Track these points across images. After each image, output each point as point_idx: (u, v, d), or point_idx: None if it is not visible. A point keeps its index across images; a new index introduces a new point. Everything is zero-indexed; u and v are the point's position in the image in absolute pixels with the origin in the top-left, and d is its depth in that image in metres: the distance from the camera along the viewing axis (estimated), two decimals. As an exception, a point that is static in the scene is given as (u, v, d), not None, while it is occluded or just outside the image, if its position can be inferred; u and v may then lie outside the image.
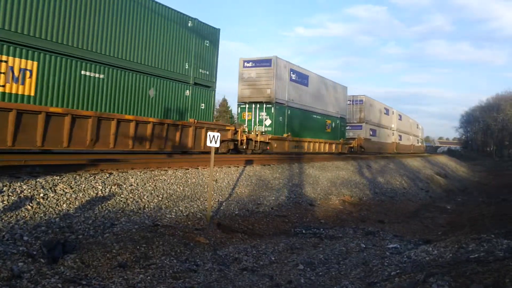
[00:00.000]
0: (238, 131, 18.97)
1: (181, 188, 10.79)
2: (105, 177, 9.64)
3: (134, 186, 9.82)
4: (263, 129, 22.63)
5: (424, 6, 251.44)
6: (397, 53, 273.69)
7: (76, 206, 7.96)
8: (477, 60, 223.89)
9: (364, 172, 22.11)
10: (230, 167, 14.33)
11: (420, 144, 68.61)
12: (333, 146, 29.87)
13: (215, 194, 11.19)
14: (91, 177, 9.36)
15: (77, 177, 9.14)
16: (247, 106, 23.27)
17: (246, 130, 20.80)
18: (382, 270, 6.52)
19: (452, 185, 30.63)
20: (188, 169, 12.53)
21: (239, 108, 23.85)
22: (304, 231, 10.33)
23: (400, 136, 50.66)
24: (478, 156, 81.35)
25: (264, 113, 22.89)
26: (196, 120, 16.22)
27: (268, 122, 22.83)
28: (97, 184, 9.13)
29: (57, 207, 7.67)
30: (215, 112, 27.98)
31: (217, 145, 9.48)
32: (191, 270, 6.56)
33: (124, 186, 9.58)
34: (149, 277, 6.03)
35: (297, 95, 25.32)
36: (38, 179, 8.32)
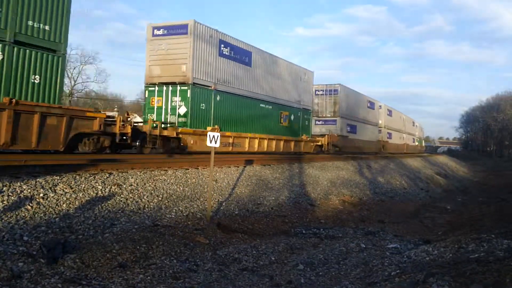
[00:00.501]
0: (115, 120, 13.64)
1: (181, 188, 10.79)
2: (105, 177, 9.64)
3: (134, 186, 9.81)
4: (176, 120, 17.05)
5: (423, 6, 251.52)
6: (397, 53, 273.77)
7: (76, 206, 7.96)
8: (476, 60, 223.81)
9: (364, 172, 22.11)
10: (230, 167, 14.33)
11: (416, 143, 64.32)
12: (292, 144, 24.55)
13: (215, 194, 11.19)
14: (91, 177, 9.36)
15: (77, 177, 9.14)
16: (156, 88, 17.50)
17: (153, 122, 16.17)
18: (382, 270, 6.52)
19: (452, 185, 30.63)
20: (188, 169, 12.53)
21: (146, 91, 17.98)
22: (304, 231, 10.33)
23: (389, 134, 45.63)
24: (478, 156, 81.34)
25: (177, 98, 16.98)
26: (16, 100, 10.17)
27: (182, 110, 16.95)
28: (97, 184, 9.13)
29: (57, 207, 7.67)
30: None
31: (217, 145, 9.44)
32: (191, 270, 6.56)
33: (124, 186, 9.58)
34: (149, 277, 6.03)
35: (233, 76, 19.51)
36: (38, 179, 8.32)
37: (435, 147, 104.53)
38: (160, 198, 9.74)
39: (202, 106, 17.54)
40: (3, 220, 6.66)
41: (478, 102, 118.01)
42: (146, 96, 18.06)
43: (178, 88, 17.00)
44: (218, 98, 18.40)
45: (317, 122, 30.77)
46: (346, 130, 32.37)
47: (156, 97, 17.56)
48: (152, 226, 8.07)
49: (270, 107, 22.85)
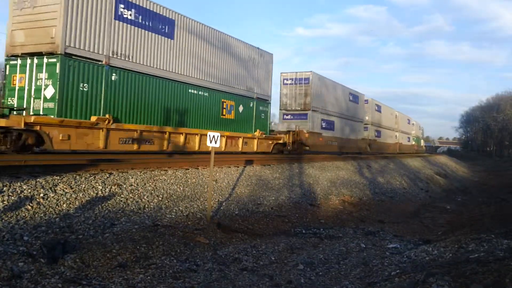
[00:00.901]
0: None
1: (181, 188, 10.79)
2: (105, 177, 9.64)
3: (134, 186, 9.82)
4: (41, 105, 12.10)
5: (423, 6, 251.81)
6: (397, 53, 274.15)
7: (76, 206, 7.96)
8: (476, 60, 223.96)
9: (364, 172, 22.12)
10: (230, 167, 14.33)
11: (413, 143, 60.27)
12: (239, 142, 19.35)
13: (215, 194, 11.20)
14: (91, 177, 9.36)
15: (77, 177, 9.14)
16: (19, 62, 12.53)
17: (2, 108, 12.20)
18: (382, 270, 6.53)
19: (452, 185, 30.65)
20: (188, 169, 12.53)
21: (7, 66, 12.91)
22: (304, 231, 10.34)
23: (378, 131, 40.79)
24: (478, 156, 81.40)
25: (43, 75, 12.13)
26: None
27: (49, 92, 12.05)
28: (97, 184, 9.14)
29: (57, 207, 7.68)
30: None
31: (217, 145, 9.44)
32: (191, 270, 6.56)
33: (124, 186, 9.58)
34: (149, 277, 6.04)
35: (142, 49, 14.56)
36: (38, 179, 8.33)
37: (435, 147, 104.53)
38: (160, 198, 9.75)
39: (84, 87, 12.54)
40: (3, 220, 6.67)
41: (478, 102, 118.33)
42: (7, 72, 12.97)
43: (45, 60, 12.09)
44: (113, 78, 13.55)
45: (285, 117, 26.59)
46: (321, 126, 27.41)
47: (18, 74, 12.56)
48: (152, 226, 8.08)
49: (206, 94, 17.83)
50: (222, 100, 18.95)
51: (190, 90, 16.91)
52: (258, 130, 21.25)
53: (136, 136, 13.90)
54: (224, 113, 19.06)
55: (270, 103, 23.69)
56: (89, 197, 8.51)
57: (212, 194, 10.54)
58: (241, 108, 20.44)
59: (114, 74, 13.71)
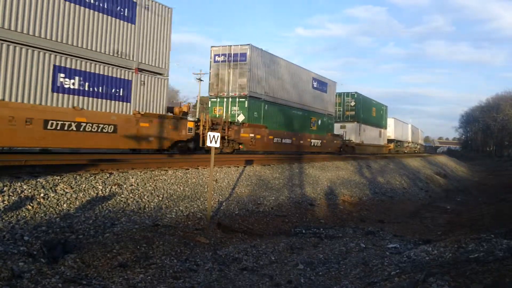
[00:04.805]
0: None
1: (181, 188, 10.80)
2: (106, 177, 9.65)
3: (135, 186, 9.83)
4: None
5: (423, 7, 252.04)
6: (397, 54, 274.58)
7: (76, 206, 7.97)
8: (476, 60, 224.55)
9: (364, 172, 22.12)
10: (230, 167, 14.34)
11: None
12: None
13: (215, 194, 11.20)
14: (91, 177, 9.37)
15: (78, 177, 9.15)
16: None
17: None
18: (382, 270, 6.53)
19: (451, 185, 30.65)
20: (188, 169, 12.54)
21: None
22: (304, 231, 10.34)
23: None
24: (478, 156, 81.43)
25: None
26: None
27: None
28: (97, 184, 9.14)
29: (57, 207, 7.68)
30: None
31: (217, 145, 9.46)
32: (191, 270, 6.57)
33: (125, 186, 9.59)
34: (149, 277, 6.04)
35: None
36: (38, 179, 8.33)
37: (434, 147, 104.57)
38: (160, 198, 9.75)
39: None
40: (4, 220, 6.67)
41: (478, 102, 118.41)
42: None
43: None
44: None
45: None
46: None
47: None
48: (152, 226, 8.08)
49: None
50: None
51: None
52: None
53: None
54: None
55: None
56: (89, 197, 8.52)
57: (212, 194, 10.55)
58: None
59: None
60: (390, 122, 48.71)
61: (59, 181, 8.60)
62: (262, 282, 6.40)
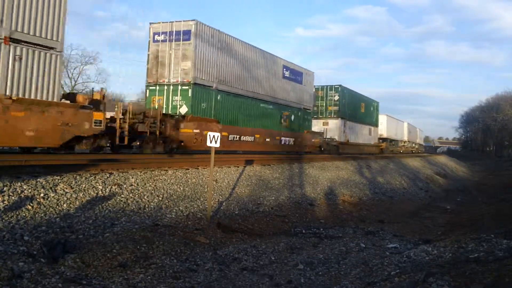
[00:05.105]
0: None
1: (181, 188, 10.80)
2: (106, 177, 9.65)
3: (135, 186, 9.83)
4: None
5: (423, 7, 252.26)
6: (397, 54, 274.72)
7: (76, 206, 7.97)
8: (476, 60, 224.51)
9: (363, 172, 22.12)
10: (230, 167, 14.34)
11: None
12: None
13: (215, 194, 11.20)
14: (91, 177, 9.37)
15: (78, 177, 9.15)
16: None
17: None
18: (382, 269, 6.53)
19: (451, 185, 30.64)
20: (188, 169, 12.54)
21: None
22: (304, 231, 10.34)
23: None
24: (478, 156, 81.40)
25: None
26: None
27: None
28: (97, 184, 9.14)
29: (57, 207, 7.68)
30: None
31: (217, 145, 9.45)
32: (191, 270, 6.57)
33: (125, 186, 9.59)
34: (149, 277, 6.04)
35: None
36: (38, 179, 8.33)
37: (434, 147, 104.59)
38: (160, 198, 9.75)
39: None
40: (3, 220, 6.67)
41: (478, 102, 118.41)
42: None
43: None
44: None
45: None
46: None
47: None
48: (152, 226, 8.08)
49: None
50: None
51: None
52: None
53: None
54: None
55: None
56: (89, 197, 8.52)
57: (212, 194, 10.55)
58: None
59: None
60: (382, 119, 45.12)
61: (59, 181, 8.60)
62: (262, 282, 6.40)
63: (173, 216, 9.03)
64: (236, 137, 18.87)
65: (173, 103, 16.71)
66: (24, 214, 7.04)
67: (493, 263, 5.23)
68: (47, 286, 5.08)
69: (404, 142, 56.74)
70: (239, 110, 19.41)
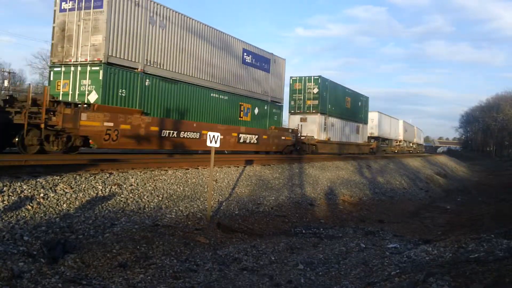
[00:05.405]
0: None
1: (181, 188, 10.79)
2: (105, 177, 9.64)
3: (134, 186, 9.82)
4: None
5: (423, 7, 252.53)
6: (397, 54, 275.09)
7: (76, 206, 7.96)
8: (476, 60, 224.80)
9: (364, 172, 22.11)
10: (230, 167, 14.33)
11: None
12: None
13: (215, 194, 11.20)
14: (91, 177, 9.36)
15: (77, 177, 9.14)
16: None
17: None
18: (382, 270, 6.53)
19: (452, 185, 30.64)
20: (188, 169, 12.53)
21: None
22: (304, 231, 10.34)
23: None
24: (478, 156, 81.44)
25: None
26: None
27: None
28: (97, 184, 9.14)
29: (57, 207, 7.68)
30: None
31: (217, 145, 9.45)
32: (191, 270, 6.56)
33: (124, 186, 9.58)
34: (149, 277, 6.04)
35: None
36: (38, 179, 8.33)
37: (434, 147, 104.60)
38: (160, 198, 9.75)
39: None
40: (3, 220, 6.66)
41: (478, 102, 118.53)
42: None
43: None
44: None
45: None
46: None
47: None
48: (152, 226, 8.08)
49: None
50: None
51: None
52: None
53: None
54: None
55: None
56: (89, 197, 8.51)
57: (212, 194, 10.54)
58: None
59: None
60: (373, 116, 41.14)
61: (59, 181, 8.59)
62: (262, 282, 6.40)
63: (173, 216, 9.02)
64: (172, 132, 15.18)
65: (81, 89, 13.30)
66: (24, 214, 7.04)
67: (493, 263, 5.22)
68: (47, 286, 5.08)
69: (399, 141, 53.26)
70: (178, 100, 15.90)
